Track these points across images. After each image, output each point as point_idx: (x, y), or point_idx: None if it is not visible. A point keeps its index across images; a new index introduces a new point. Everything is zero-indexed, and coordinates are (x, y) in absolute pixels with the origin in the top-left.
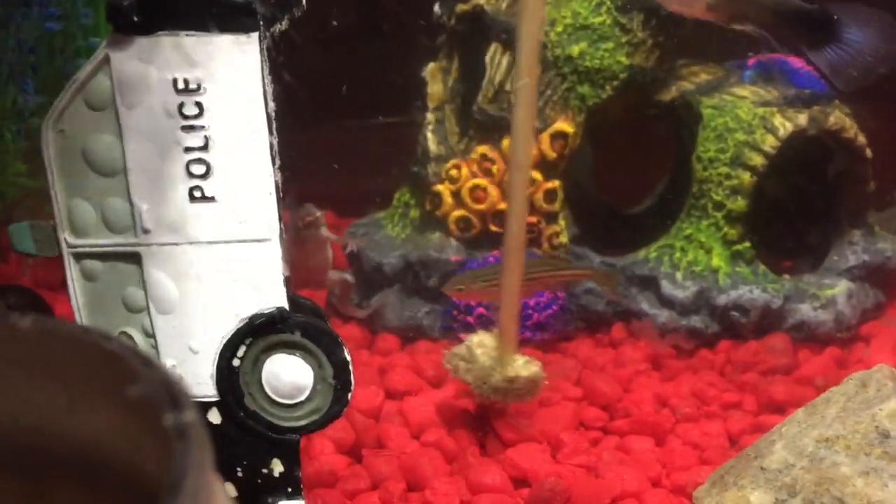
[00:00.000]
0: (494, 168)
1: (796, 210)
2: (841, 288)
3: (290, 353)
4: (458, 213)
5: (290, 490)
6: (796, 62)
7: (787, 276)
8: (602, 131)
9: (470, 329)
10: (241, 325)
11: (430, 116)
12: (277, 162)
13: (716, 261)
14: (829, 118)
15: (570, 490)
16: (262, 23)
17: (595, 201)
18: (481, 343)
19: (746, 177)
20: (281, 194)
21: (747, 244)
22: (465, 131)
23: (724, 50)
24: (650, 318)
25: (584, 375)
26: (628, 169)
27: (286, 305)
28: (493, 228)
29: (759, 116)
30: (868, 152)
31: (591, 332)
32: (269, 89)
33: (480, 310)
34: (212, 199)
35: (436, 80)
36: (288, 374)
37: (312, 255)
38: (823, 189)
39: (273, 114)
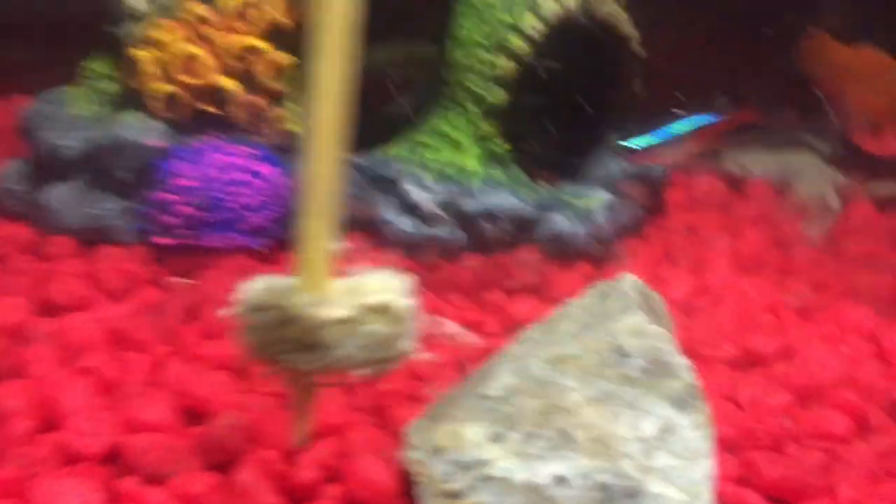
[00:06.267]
0: (211, 32)
1: (559, 111)
2: (599, 199)
3: None
4: (163, 87)
5: None
6: None
7: (543, 183)
8: None
9: (172, 233)
10: None
11: None
12: None
13: (469, 162)
14: (603, 6)
15: (255, 426)
16: None
17: None
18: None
19: (510, 65)
20: None
21: (505, 144)
22: None
23: None
24: (391, 227)
25: None
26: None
27: None
28: (210, 110)
29: None
30: (640, 50)
31: None
32: None
33: (188, 209)
34: None
35: None
36: None
37: None
38: (590, 88)
39: None
